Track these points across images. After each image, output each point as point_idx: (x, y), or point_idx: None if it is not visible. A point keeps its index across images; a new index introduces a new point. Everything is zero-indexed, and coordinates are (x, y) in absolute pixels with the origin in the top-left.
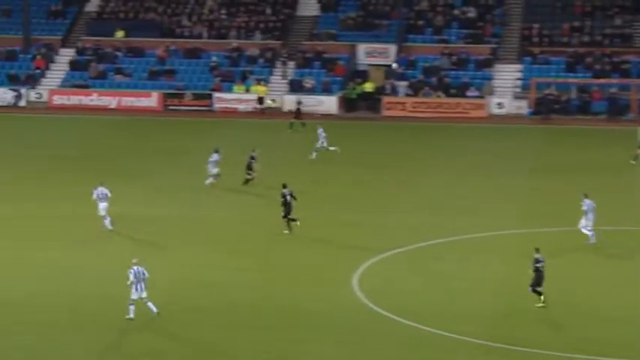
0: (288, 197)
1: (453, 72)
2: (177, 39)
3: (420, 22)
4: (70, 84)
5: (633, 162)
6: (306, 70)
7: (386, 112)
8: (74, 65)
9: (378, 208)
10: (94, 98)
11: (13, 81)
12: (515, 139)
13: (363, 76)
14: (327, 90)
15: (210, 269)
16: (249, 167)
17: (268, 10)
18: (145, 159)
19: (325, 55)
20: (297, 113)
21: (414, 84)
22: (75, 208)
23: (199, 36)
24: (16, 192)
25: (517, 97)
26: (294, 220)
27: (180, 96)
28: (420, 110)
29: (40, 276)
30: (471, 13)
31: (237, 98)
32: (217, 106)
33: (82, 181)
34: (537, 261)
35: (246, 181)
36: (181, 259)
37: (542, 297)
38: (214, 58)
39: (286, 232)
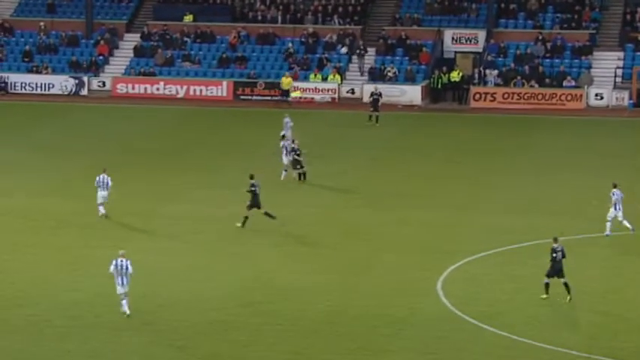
0: (256, 189)
1: (547, 60)
2: (250, 24)
3: (512, 6)
4: (134, 71)
5: None
6: (388, 58)
7: (474, 104)
8: (139, 52)
9: (460, 206)
10: (160, 87)
11: (74, 68)
12: (614, 134)
13: (450, 64)
14: (410, 79)
15: (285, 272)
16: (297, 162)
17: None
18: (215, 152)
19: (409, 42)
20: (374, 105)
21: (504, 73)
22: (153, 205)
23: (273, 20)
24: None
25: (618, 87)
26: (271, 216)
27: (252, 85)
28: (511, 101)
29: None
30: None
31: (314, 87)
32: (292, 95)
33: (157, 177)
34: (553, 251)
35: (300, 177)
36: (255, 259)
37: (547, 290)
38: (290, 45)
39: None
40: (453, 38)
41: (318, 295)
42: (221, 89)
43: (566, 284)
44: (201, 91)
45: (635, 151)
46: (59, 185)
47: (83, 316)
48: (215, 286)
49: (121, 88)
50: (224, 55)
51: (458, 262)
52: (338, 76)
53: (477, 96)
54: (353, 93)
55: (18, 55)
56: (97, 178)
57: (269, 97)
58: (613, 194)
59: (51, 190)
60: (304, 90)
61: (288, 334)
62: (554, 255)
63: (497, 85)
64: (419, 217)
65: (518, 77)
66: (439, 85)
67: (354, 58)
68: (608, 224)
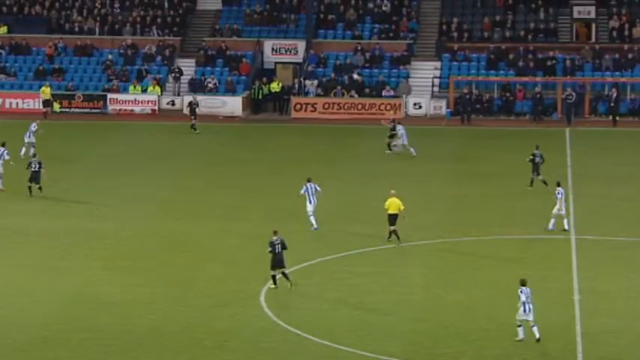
0: (278, 247)
1: (366, 70)
2: (67, 35)
3: (331, 17)
4: None
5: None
6: (208, 69)
7: (295, 114)
8: None
9: (281, 218)
10: None
11: None
12: (432, 142)
13: (270, 74)
14: (231, 90)
15: (108, 286)
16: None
17: (166, 4)
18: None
19: (229, 53)
20: (193, 113)
21: (324, 83)
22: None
23: (91, 32)
24: None
25: (435, 96)
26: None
27: (70, 97)
28: (331, 111)
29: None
30: (386, 6)
31: (133, 99)
32: (111, 107)
33: None
34: (272, 243)
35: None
36: (77, 274)
37: (274, 281)
38: (110, 57)
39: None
40: (272, 49)
41: (141, 308)
42: (38, 102)
43: (284, 274)
44: (17, 103)
45: (452, 156)
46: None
47: None
48: (35, 301)
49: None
50: (41, 67)
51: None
52: (158, 88)
53: (298, 106)
54: (173, 104)
55: None
56: None
57: (87, 110)
58: (558, 193)
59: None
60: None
61: (111, 349)
62: (274, 247)
63: (317, 95)
64: (240, 228)
65: (338, 87)
66: (260, 96)
67: (170, 77)
68: (552, 220)
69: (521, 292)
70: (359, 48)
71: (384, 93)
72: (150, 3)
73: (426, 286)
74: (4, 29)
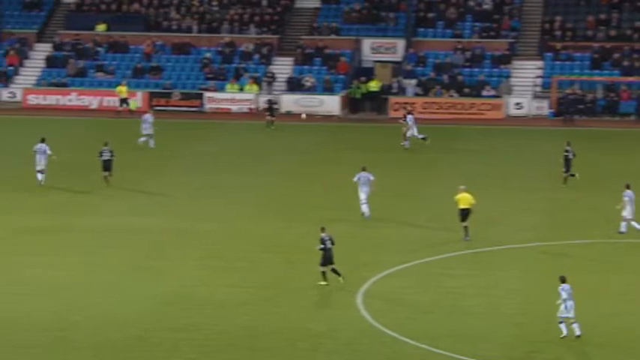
0: (328, 243)
1: (466, 69)
2: (164, 33)
3: (431, 15)
4: (46, 82)
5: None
6: (306, 67)
7: (393, 114)
8: (51, 62)
9: (381, 218)
10: (72, 98)
11: None
12: (534, 143)
13: (368, 73)
14: (328, 89)
15: (202, 286)
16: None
17: (264, 2)
18: (130, 165)
19: (327, 51)
20: (270, 112)
21: (423, 82)
22: (68, 218)
23: (188, 30)
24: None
25: (537, 96)
26: (337, 273)
27: (167, 95)
28: (430, 111)
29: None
30: (487, 4)
31: (231, 98)
32: (208, 106)
33: (70, 190)
34: (322, 240)
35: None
36: (172, 274)
37: (325, 277)
38: (207, 55)
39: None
40: (371, 47)
41: (236, 309)
42: (136, 100)
43: (334, 270)
44: (115, 102)
45: (554, 158)
46: (20, 199)
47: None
48: (131, 301)
49: (32, 100)
50: (138, 65)
51: (378, 275)
52: (255, 86)
53: (396, 106)
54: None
55: None
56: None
57: (184, 108)
58: (625, 195)
59: (17, 203)
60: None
61: (206, 349)
62: (325, 243)
63: (416, 94)
64: (335, 229)
65: (438, 87)
66: (358, 95)
67: (264, 83)
68: (623, 223)
69: (562, 289)
70: (459, 47)
71: (484, 93)
72: (248, 1)
73: (524, 290)
74: (103, 27)
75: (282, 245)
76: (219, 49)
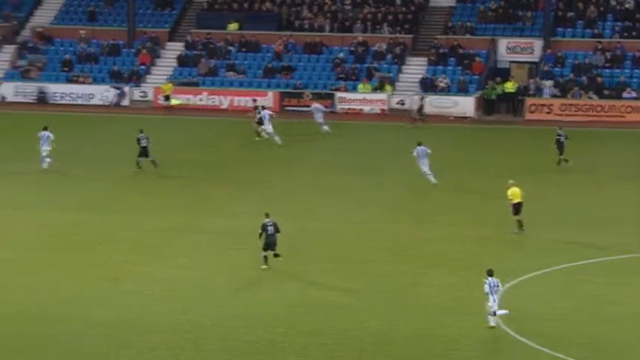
0: (270, 228)
1: (607, 70)
2: (296, 32)
3: (570, 14)
4: (177, 81)
5: None
6: (440, 68)
7: (529, 116)
8: (182, 61)
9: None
10: (203, 97)
11: (115, 78)
12: None
13: (504, 74)
14: (463, 90)
15: (330, 290)
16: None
17: (398, 1)
18: (259, 165)
19: (461, 51)
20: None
21: (561, 84)
22: (193, 219)
23: (321, 29)
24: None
25: None
26: (276, 255)
27: (298, 95)
28: (568, 113)
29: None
30: (629, 3)
31: (363, 98)
32: (340, 107)
33: (198, 190)
34: (265, 226)
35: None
36: (299, 277)
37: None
38: (340, 54)
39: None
40: (507, 47)
41: (364, 313)
42: (266, 100)
43: (276, 255)
44: (245, 102)
45: None
46: (98, 198)
47: (114, 336)
48: (258, 303)
49: (163, 99)
50: (269, 65)
51: (511, 281)
52: (388, 87)
53: (533, 107)
54: (403, 104)
55: (57, 65)
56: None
57: None
58: None
59: (90, 203)
60: (352, 101)
61: (336, 355)
62: (266, 229)
63: (553, 96)
64: (468, 233)
65: (576, 88)
66: (493, 96)
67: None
68: None
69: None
70: (599, 47)
71: (624, 95)
72: (381, 0)
73: None
74: (235, 26)
75: (411, 249)
76: (352, 48)
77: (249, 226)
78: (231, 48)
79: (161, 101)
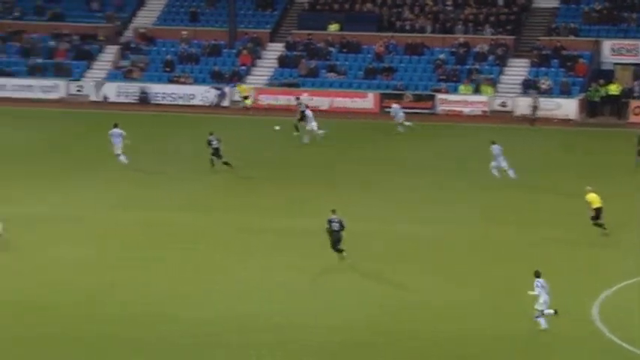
0: (335, 225)
1: None
2: (397, 33)
3: None
4: (278, 82)
5: None
6: (543, 69)
7: (633, 118)
8: (283, 61)
9: (617, 225)
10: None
11: (216, 78)
12: None
13: (608, 76)
14: (566, 92)
15: (422, 291)
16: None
17: (500, 2)
18: (360, 167)
19: (565, 52)
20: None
21: None
22: (289, 220)
23: (422, 30)
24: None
25: None
26: (340, 251)
27: (399, 97)
28: None
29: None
30: None
31: (463, 100)
32: (440, 108)
33: (294, 192)
34: (329, 222)
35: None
36: (387, 277)
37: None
38: (441, 56)
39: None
40: (611, 49)
41: (457, 315)
42: (367, 101)
43: (339, 250)
44: (345, 103)
45: None
46: (198, 198)
47: (210, 334)
48: (345, 304)
49: (264, 99)
50: (370, 66)
51: (615, 286)
52: (489, 89)
53: (637, 110)
54: (505, 106)
55: (159, 65)
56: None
57: (417, 110)
58: None
59: (189, 203)
60: (454, 102)
61: (427, 357)
62: (331, 226)
63: None
64: (563, 236)
65: None
66: (596, 99)
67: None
68: None
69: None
70: None
71: None
72: (483, 0)
73: None
74: (336, 27)
75: (508, 252)
76: (453, 49)
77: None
78: (331, 49)
79: (239, 101)
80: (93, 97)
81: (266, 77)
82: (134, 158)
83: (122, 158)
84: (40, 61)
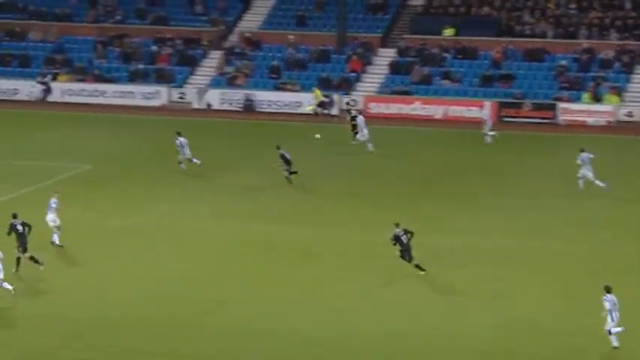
0: (404, 238)
1: None
2: (516, 38)
3: None
4: (389, 90)
5: None
6: None
7: None
8: (394, 68)
9: None
10: (416, 107)
11: (325, 85)
12: None
13: None
14: None
15: (551, 313)
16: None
17: (628, 5)
18: (476, 179)
19: None
20: None
21: None
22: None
23: (543, 35)
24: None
25: None
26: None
27: (517, 106)
28: None
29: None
30: None
31: (587, 109)
32: (562, 118)
33: (410, 205)
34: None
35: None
36: (516, 297)
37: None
38: (563, 62)
39: None
40: None
41: (592, 339)
42: (484, 110)
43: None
44: (461, 112)
45: None
46: (305, 211)
47: (324, 355)
48: (475, 324)
49: (374, 108)
50: (487, 73)
51: None
52: (615, 98)
53: None
54: (631, 116)
55: (265, 71)
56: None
57: (537, 120)
58: None
59: (296, 216)
60: (577, 112)
61: None
62: (401, 239)
63: None
64: None
65: None
66: None
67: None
68: None
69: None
70: None
71: None
72: (609, 4)
73: None
74: (451, 31)
75: (624, 269)
76: (576, 55)
77: (473, 244)
78: (446, 54)
79: (311, 107)
80: (195, 105)
81: (376, 84)
82: (237, 168)
83: (196, 160)
84: (141, 66)
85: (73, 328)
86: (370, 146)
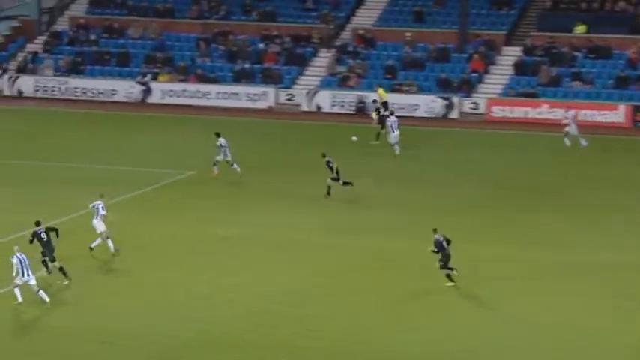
0: (445, 243)
1: None
2: None
3: None
4: (514, 92)
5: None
6: None
7: None
8: (520, 68)
9: None
10: (543, 110)
11: (444, 87)
12: None
13: None
14: None
15: None
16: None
17: None
18: (603, 190)
19: None
20: None
21: None
22: (520, 251)
23: None
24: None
25: None
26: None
27: None
28: None
29: None
30: None
31: None
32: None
33: (531, 219)
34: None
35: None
36: None
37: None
38: None
39: None
40: None
41: None
42: (617, 114)
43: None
44: (592, 116)
45: None
46: (404, 222)
47: None
48: (600, 348)
49: (497, 112)
50: (622, 74)
51: None
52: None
53: None
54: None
55: (379, 71)
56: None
57: None
58: None
59: (393, 226)
60: None
61: None
62: (443, 245)
63: None
64: None
65: None
66: None
67: None
68: None
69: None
70: None
71: None
72: None
73: None
74: (582, 28)
75: None
76: None
77: (597, 260)
78: (577, 54)
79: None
80: (304, 107)
81: (500, 86)
82: (350, 176)
83: (236, 166)
84: (247, 65)
85: (171, 344)
86: (397, 149)
